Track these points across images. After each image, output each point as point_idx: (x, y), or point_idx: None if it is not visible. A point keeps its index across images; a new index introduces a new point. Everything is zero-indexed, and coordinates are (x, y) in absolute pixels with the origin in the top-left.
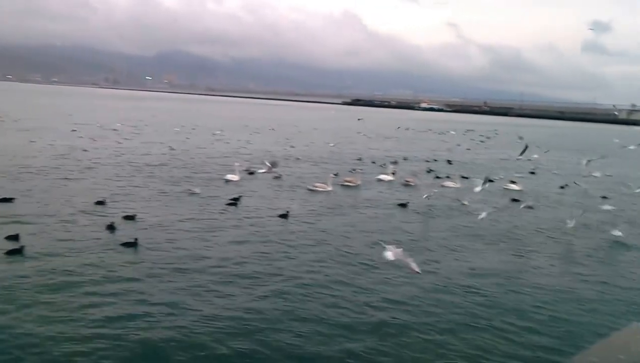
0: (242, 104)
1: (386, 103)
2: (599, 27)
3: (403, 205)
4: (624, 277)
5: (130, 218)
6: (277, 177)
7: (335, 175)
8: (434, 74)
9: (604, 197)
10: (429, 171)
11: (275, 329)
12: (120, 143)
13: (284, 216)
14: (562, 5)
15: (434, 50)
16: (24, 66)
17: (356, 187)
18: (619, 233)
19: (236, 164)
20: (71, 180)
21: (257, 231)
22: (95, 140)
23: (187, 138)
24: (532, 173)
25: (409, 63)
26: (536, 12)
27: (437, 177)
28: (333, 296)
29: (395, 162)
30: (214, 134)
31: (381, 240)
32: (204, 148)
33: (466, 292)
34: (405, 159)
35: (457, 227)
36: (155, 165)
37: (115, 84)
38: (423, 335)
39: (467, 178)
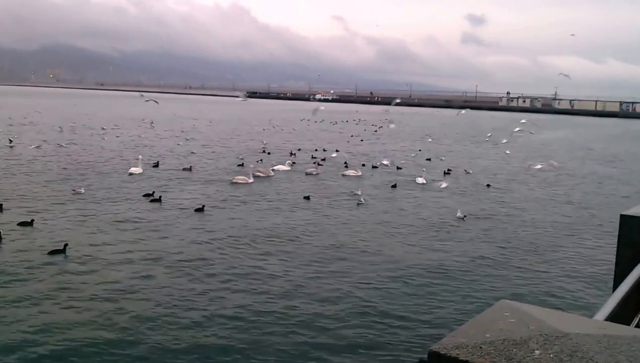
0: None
1: (282, 95)
2: (474, 20)
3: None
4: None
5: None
6: (187, 169)
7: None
8: (326, 66)
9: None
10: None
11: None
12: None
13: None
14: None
15: (323, 42)
16: None
17: (267, 178)
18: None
19: (140, 156)
20: None
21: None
22: None
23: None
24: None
25: (301, 55)
26: (416, 7)
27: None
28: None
29: (293, 154)
30: (103, 129)
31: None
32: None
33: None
34: (299, 149)
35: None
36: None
37: None
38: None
39: (364, 165)
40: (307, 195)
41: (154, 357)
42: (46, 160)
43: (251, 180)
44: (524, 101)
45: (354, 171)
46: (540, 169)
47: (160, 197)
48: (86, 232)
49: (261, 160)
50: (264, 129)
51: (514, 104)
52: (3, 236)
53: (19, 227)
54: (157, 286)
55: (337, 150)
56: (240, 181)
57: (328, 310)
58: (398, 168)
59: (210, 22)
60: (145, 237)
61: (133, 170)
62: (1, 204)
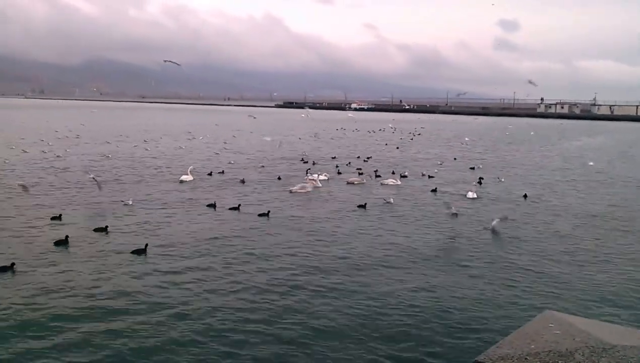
0: (177, 110)
1: (318, 104)
2: (506, 25)
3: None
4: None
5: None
6: (241, 181)
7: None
8: (359, 74)
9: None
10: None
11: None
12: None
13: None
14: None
15: (356, 50)
16: None
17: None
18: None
19: (191, 166)
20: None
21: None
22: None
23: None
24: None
25: (334, 64)
26: (446, 13)
27: (377, 176)
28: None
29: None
30: (145, 141)
31: None
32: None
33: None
34: (334, 158)
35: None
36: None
37: (41, 94)
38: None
39: (405, 176)
40: (362, 203)
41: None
42: (96, 171)
43: (310, 189)
44: (562, 107)
45: (393, 180)
46: (579, 172)
47: (214, 203)
48: (158, 235)
49: (308, 170)
50: (300, 138)
51: (552, 110)
52: (85, 239)
53: (95, 233)
54: (231, 281)
55: (365, 158)
56: (299, 191)
57: (372, 315)
58: (430, 176)
59: (244, 33)
60: (214, 238)
61: (184, 177)
62: (60, 214)
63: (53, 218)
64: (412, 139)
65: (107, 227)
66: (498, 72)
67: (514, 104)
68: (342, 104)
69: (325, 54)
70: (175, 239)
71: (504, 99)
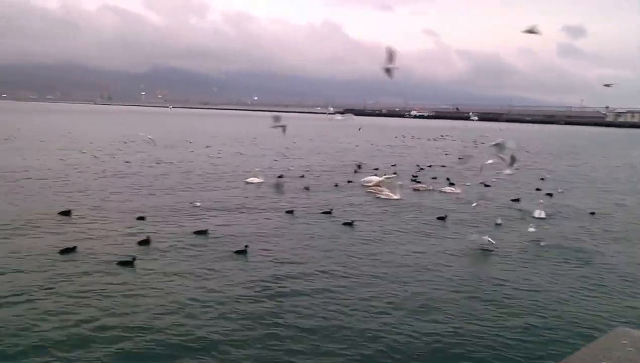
0: (239, 117)
1: (377, 112)
2: (571, 31)
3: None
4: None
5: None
6: (306, 188)
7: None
8: (419, 81)
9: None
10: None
11: None
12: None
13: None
14: (532, 11)
15: (416, 57)
16: (17, 85)
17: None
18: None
19: (257, 168)
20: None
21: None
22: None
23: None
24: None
25: (394, 71)
26: (508, 18)
27: (451, 184)
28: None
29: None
30: (208, 147)
31: None
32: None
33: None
34: (393, 165)
35: None
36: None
37: (109, 100)
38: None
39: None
40: (442, 215)
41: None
42: (160, 174)
43: (397, 196)
44: (633, 116)
45: (452, 188)
46: None
47: (292, 211)
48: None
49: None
50: (357, 146)
51: (622, 119)
52: (188, 242)
53: (195, 235)
54: (325, 278)
55: (426, 166)
56: (385, 196)
57: (443, 328)
58: (486, 185)
59: (303, 40)
60: (299, 240)
61: (251, 179)
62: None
63: (139, 218)
64: (475, 148)
65: (207, 230)
66: (564, 79)
67: (580, 112)
68: (401, 111)
69: (384, 61)
70: (264, 241)
71: (571, 107)
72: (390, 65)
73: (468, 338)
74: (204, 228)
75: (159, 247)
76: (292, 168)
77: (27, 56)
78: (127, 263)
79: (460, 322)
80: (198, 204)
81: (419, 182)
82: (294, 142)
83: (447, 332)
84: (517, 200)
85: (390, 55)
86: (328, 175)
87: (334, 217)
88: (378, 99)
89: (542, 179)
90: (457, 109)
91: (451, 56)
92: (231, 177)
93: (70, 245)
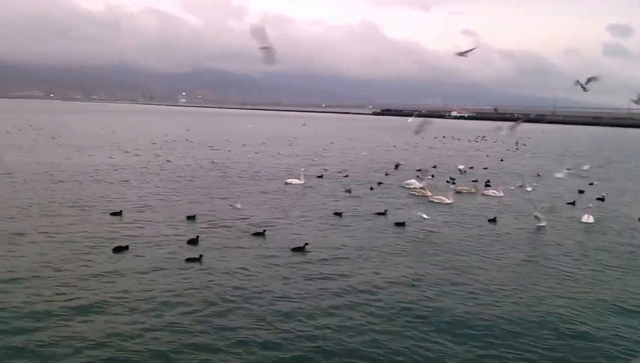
0: (276, 117)
1: (416, 112)
2: (618, 30)
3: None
4: None
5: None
6: (348, 191)
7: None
8: (460, 81)
9: None
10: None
11: None
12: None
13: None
14: (575, 11)
15: (455, 57)
16: (63, 85)
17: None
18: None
19: (302, 168)
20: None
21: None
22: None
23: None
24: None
25: (433, 71)
26: (551, 18)
27: (487, 185)
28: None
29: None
30: (243, 146)
31: None
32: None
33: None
34: (434, 166)
35: None
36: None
37: (151, 100)
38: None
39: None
40: (492, 217)
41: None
42: (201, 174)
43: (451, 200)
44: None
45: (495, 191)
46: None
47: (341, 213)
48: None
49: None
50: (394, 146)
51: None
52: (252, 241)
53: (254, 236)
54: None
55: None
56: (437, 200)
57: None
58: (527, 189)
59: (341, 41)
60: (355, 239)
61: (291, 180)
62: (194, 215)
63: (188, 217)
64: (516, 150)
65: (264, 231)
66: (610, 79)
67: (628, 114)
68: (441, 111)
69: (424, 61)
70: (320, 241)
71: (618, 108)
72: (265, 45)
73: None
74: (261, 230)
75: (214, 245)
76: (328, 169)
77: (73, 57)
78: (195, 260)
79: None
80: (238, 206)
81: (454, 184)
82: (332, 143)
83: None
84: (572, 203)
85: (259, 34)
86: (367, 176)
87: (387, 218)
88: (417, 99)
89: (591, 183)
90: (496, 109)
91: (492, 56)
92: (271, 178)
93: (122, 244)
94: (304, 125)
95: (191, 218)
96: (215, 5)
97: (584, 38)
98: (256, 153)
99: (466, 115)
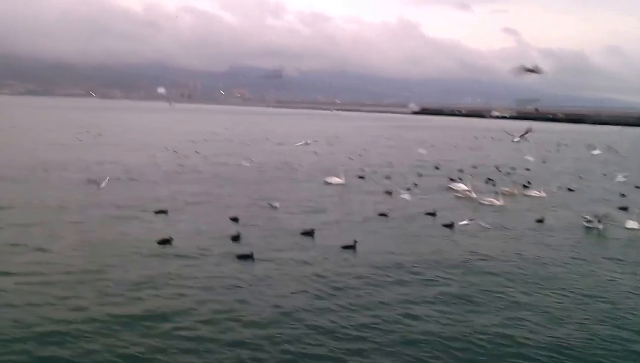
0: (314, 116)
1: (457, 112)
2: None
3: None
4: None
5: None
6: (389, 192)
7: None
8: (501, 81)
9: None
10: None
11: None
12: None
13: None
14: (618, 8)
15: (496, 56)
16: (103, 83)
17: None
18: None
19: (341, 167)
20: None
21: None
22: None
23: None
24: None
25: (473, 70)
26: (593, 16)
27: (525, 186)
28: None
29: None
30: (280, 144)
31: None
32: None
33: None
34: (475, 168)
35: None
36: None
37: (189, 98)
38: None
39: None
40: (540, 218)
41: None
42: (239, 172)
43: (501, 202)
44: None
45: (537, 192)
46: None
47: (386, 213)
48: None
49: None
50: (433, 146)
51: None
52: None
53: (303, 236)
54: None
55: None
56: (487, 203)
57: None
58: (569, 189)
59: (378, 39)
60: (404, 240)
61: (331, 179)
62: (237, 217)
63: (232, 219)
64: (558, 151)
65: (313, 230)
66: None
67: None
68: (481, 111)
69: (464, 60)
70: (369, 241)
71: None
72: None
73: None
74: (309, 229)
75: (263, 243)
76: (367, 169)
77: (113, 56)
78: (247, 257)
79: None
80: (276, 205)
81: (494, 184)
82: (371, 141)
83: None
84: (624, 208)
85: None
86: (408, 177)
87: (436, 219)
88: (457, 98)
89: (638, 186)
90: (537, 110)
91: (533, 55)
92: (310, 177)
93: (166, 237)
94: (333, 111)
95: (234, 219)
96: (252, 4)
97: (627, 36)
98: (294, 151)
99: (507, 115)
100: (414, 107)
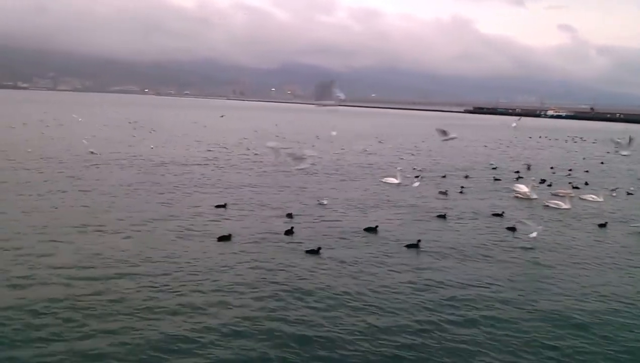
0: (365, 114)
1: (510, 111)
2: None
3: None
4: None
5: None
6: (442, 193)
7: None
8: (557, 79)
9: None
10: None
11: None
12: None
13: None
14: None
15: (551, 53)
16: (157, 81)
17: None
18: None
19: (399, 168)
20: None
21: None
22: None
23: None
24: None
25: (528, 68)
26: None
27: (575, 188)
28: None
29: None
30: (331, 142)
31: None
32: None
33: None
34: (529, 168)
35: None
36: None
37: (242, 95)
38: None
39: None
40: (602, 222)
41: None
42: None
43: (568, 206)
44: None
45: (594, 196)
46: None
47: (445, 214)
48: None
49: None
50: (485, 146)
51: None
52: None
53: (365, 232)
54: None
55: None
56: (553, 205)
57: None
58: (629, 193)
59: (431, 36)
60: (466, 242)
61: (388, 179)
62: (291, 213)
63: (287, 215)
64: (617, 152)
65: (377, 226)
66: None
67: None
68: (536, 110)
69: (518, 57)
70: (429, 238)
71: None
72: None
73: None
74: (373, 226)
75: (330, 240)
76: (422, 168)
77: (166, 53)
78: (314, 252)
79: None
80: (325, 202)
81: (549, 186)
82: (423, 141)
83: None
84: None
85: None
86: (461, 178)
87: (502, 220)
88: (511, 97)
89: None
90: (592, 109)
91: (590, 52)
92: (365, 176)
93: (225, 233)
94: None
95: (289, 215)
96: (303, 1)
97: None
98: (342, 149)
99: (563, 114)
100: (465, 106)
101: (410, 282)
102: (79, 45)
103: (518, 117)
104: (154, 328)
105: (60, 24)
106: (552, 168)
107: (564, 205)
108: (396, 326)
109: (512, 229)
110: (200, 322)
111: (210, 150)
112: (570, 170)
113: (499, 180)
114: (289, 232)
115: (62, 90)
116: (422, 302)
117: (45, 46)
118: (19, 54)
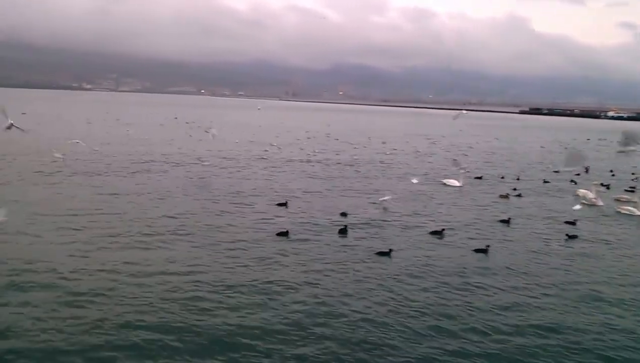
0: (418, 115)
1: (568, 111)
2: None
3: None
4: None
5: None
6: (504, 196)
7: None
8: (619, 79)
9: None
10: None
11: None
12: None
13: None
14: None
15: (611, 52)
16: (212, 82)
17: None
18: None
19: (461, 171)
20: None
21: None
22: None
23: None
24: None
25: (587, 67)
26: None
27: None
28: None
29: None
30: (383, 143)
31: None
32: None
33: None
34: (587, 170)
35: None
36: None
37: (294, 96)
38: None
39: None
40: None
41: None
42: (346, 169)
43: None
44: None
45: (628, 196)
46: None
47: (509, 219)
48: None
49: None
50: (542, 147)
51: None
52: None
53: (430, 235)
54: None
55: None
56: (627, 212)
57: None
58: None
59: (485, 35)
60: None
61: (449, 181)
62: (346, 212)
63: (342, 214)
64: None
65: (443, 230)
66: None
67: None
68: (595, 111)
69: (576, 57)
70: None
71: None
72: None
73: None
74: (439, 229)
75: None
76: (468, 170)
77: (220, 55)
78: (384, 254)
79: None
80: (386, 198)
81: (608, 189)
82: (477, 142)
83: None
84: None
85: None
86: (521, 180)
87: (577, 228)
88: (569, 97)
89: None
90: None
91: None
92: (425, 178)
93: (283, 230)
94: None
95: (343, 214)
96: (356, 2)
97: None
98: (395, 149)
99: (625, 115)
100: (521, 107)
101: (481, 285)
102: (139, 47)
103: (464, 111)
104: (219, 325)
105: (123, 27)
106: (611, 171)
107: (638, 212)
108: (479, 328)
109: (573, 237)
110: (261, 317)
111: (267, 150)
112: (634, 174)
113: (551, 182)
114: (343, 231)
115: (123, 91)
116: (496, 304)
117: (107, 49)
118: (83, 57)
